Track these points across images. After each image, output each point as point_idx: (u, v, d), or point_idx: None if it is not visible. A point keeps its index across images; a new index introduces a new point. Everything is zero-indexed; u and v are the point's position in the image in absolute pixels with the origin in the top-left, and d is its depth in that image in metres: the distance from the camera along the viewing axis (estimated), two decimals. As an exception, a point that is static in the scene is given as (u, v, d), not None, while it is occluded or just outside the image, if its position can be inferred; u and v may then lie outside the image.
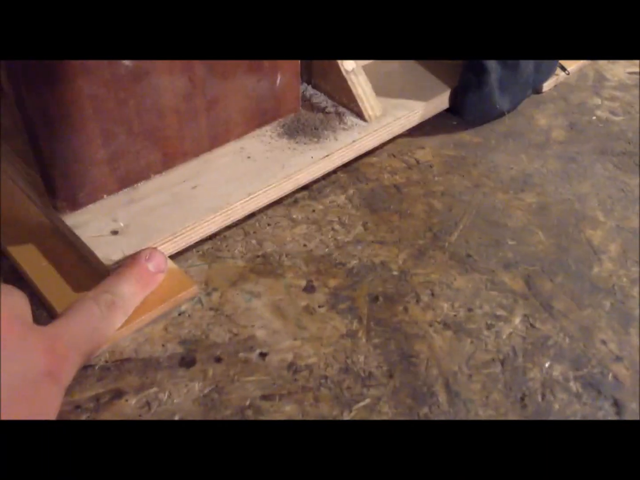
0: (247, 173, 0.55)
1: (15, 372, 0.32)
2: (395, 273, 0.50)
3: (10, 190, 0.54)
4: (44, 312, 0.46)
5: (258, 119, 0.59)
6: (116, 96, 0.47)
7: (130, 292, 0.43)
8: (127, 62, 0.46)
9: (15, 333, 0.34)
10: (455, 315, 0.47)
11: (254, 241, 0.53)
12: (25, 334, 0.34)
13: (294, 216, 0.56)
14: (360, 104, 0.61)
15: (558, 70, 0.74)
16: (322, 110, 0.63)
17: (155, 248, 0.47)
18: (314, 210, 0.57)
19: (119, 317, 0.42)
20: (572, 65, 0.76)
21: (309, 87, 0.65)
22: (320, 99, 0.64)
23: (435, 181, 0.60)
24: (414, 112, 0.64)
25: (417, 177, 0.61)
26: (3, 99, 0.48)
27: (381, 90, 0.65)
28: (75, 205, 0.50)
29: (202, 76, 0.52)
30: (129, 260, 0.45)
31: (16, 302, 0.36)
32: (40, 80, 0.43)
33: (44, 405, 0.33)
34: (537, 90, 0.73)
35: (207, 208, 0.51)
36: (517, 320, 0.47)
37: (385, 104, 0.64)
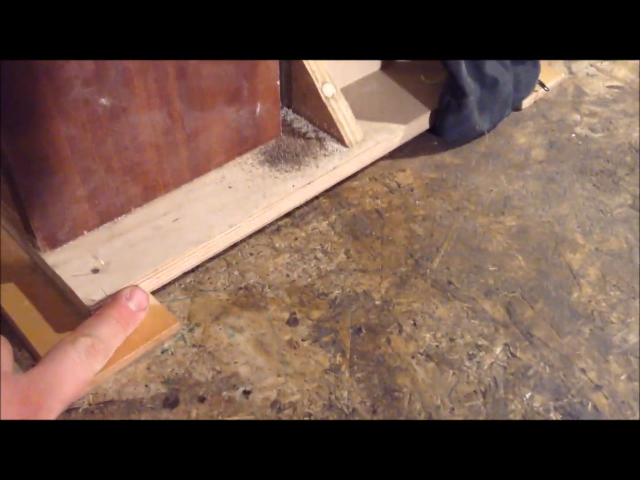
0: (228, 203, 0.55)
1: None
2: (377, 303, 0.51)
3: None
4: (25, 352, 0.46)
5: (239, 147, 0.59)
6: (94, 135, 0.47)
7: (110, 333, 0.43)
8: (104, 101, 0.46)
9: None
10: (437, 346, 0.47)
11: (236, 272, 0.53)
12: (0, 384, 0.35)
13: (277, 245, 0.56)
14: (340, 129, 0.61)
15: (537, 87, 0.75)
16: (303, 135, 0.63)
17: (136, 286, 0.47)
18: (296, 238, 0.57)
19: (99, 360, 0.42)
20: (551, 80, 0.77)
21: (290, 112, 0.65)
22: (301, 123, 0.64)
23: (417, 205, 0.61)
24: (395, 135, 0.64)
25: (399, 201, 0.61)
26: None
27: (361, 112, 0.65)
28: (55, 243, 0.49)
29: (181, 110, 0.52)
30: (110, 300, 0.45)
31: None
32: (17, 123, 0.42)
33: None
34: (517, 108, 0.73)
35: (189, 241, 0.51)
36: (498, 350, 0.47)
37: (365, 127, 0.64)
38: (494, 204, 0.61)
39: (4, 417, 0.33)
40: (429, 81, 0.70)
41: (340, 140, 0.62)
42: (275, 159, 0.60)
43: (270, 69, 0.57)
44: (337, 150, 0.61)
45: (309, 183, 0.58)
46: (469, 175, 0.65)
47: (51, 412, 0.37)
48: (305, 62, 0.60)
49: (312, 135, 0.63)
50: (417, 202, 0.61)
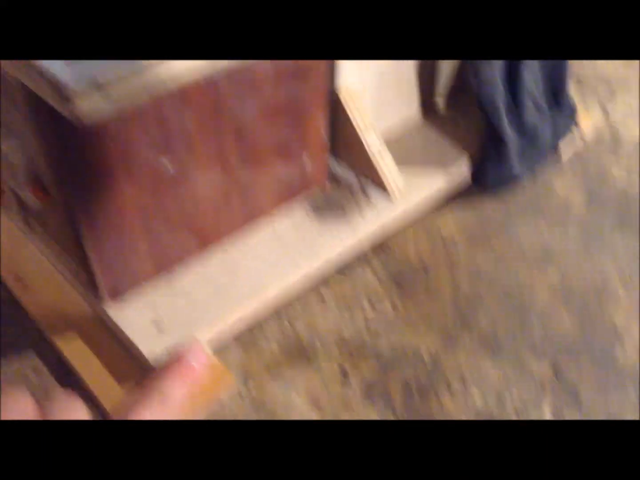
0: (279, 256, 0.57)
1: None
2: (426, 360, 0.52)
3: (56, 281, 0.55)
4: (89, 402, 0.48)
5: (287, 196, 0.61)
6: (157, 195, 0.49)
7: (177, 391, 0.44)
8: (167, 164, 0.48)
9: None
10: (485, 405, 0.49)
11: (286, 324, 0.55)
12: None
13: (325, 296, 0.58)
14: (384, 180, 0.63)
15: (574, 133, 0.76)
16: (348, 184, 0.65)
17: (197, 341, 0.48)
18: (343, 290, 0.58)
19: (167, 417, 0.43)
20: (587, 124, 0.78)
21: (335, 161, 0.67)
22: (345, 172, 0.66)
23: (460, 257, 0.62)
24: (437, 185, 0.66)
25: (442, 253, 0.63)
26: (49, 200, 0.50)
27: (404, 161, 0.66)
28: (116, 294, 0.52)
29: (237, 166, 0.54)
30: (173, 358, 0.47)
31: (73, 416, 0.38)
32: (88, 187, 0.45)
33: None
34: (555, 154, 0.74)
35: (243, 295, 0.53)
36: (546, 409, 0.48)
37: (409, 179, 0.65)
38: (536, 256, 0.62)
39: None
40: (469, 130, 0.71)
41: (384, 190, 0.64)
42: (322, 209, 0.62)
43: (318, 123, 0.59)
44: (381, 201, 0.63)
45: (355, 236, 0.59)
46: (510, 226, 0.66)
47: None
48: (349, 112, 0.62)
49: (357, 186, 0.65)
50: (460, 253, 0.62)
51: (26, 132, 0.44)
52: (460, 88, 0.74)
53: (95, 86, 0.32)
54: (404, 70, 0.67)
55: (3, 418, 0.35)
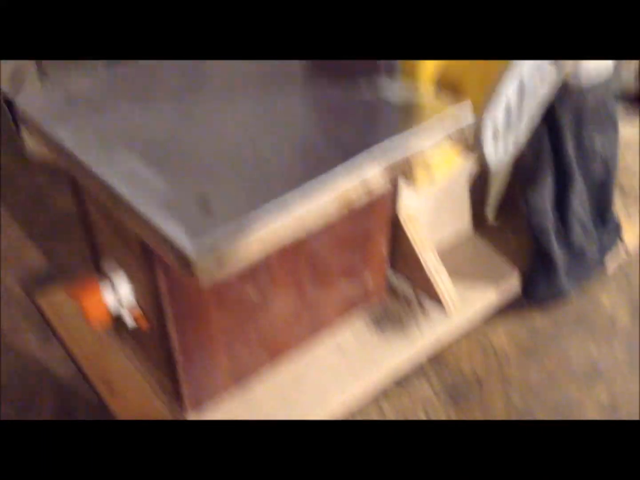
0: (342, 369, 0.61)
1: None
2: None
3: (141, 388, 0.61)
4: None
5: (349, 310, 0.66)
6: (240, 319, 0.55)
7: None
8: (251, 292, 0.54)
9: None
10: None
11: (349, 435, 0.59)
12: None
13: (384, 408, 0.62)
14: (440, 295, 0.68)
15: (619, 247, 0.79)
16: (405, 298, 0.69)
17: None
18: (401, 402, 0.62)
19: None
20: (630, 239, 0.81)
21: (392, 273, 0.72)
22: (402, 285, 0.71)
23: (512, 372, 0.65)
24: (489, 299, 0.70)
25: (495, 366, 0.66)
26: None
27: (457, 276, 0.71)
28: (197, 404, 0.57)
29: (308, 288, 0.59)
30: None
31: None
32: (184, 315, 0.50)
33: None
34: (601, 268, 0.78)
35: (309, 405, 0.57)
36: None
37: (463, 292, 0.70)
38: (585, 373, 0.65)
39: None
40: (519, 244, 0.76)
41: (439, 304, 0.68)
42: (381, 321, 0.67)
43: (380, 245, 0.64)
44: (437, 315, 0.67)
45: (413, 348, 0.64)
46: (559, 341, 0.69)
47: None
48: (408, 233, 0.67)
49: (414, 298, 0.69)
50: (513, 368, 0.66)
51: (136, 270, 0.50)
52: (510, 203, 0.80)
53: (214, 256, 0.38)
54: (458, 191, 0.73)
55: None
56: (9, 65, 0.98)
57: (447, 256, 0.73)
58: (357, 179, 0.44)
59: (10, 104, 0.91)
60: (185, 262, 0.37)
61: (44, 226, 0.83)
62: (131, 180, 0.41)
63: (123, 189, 0.40)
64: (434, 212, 0.72)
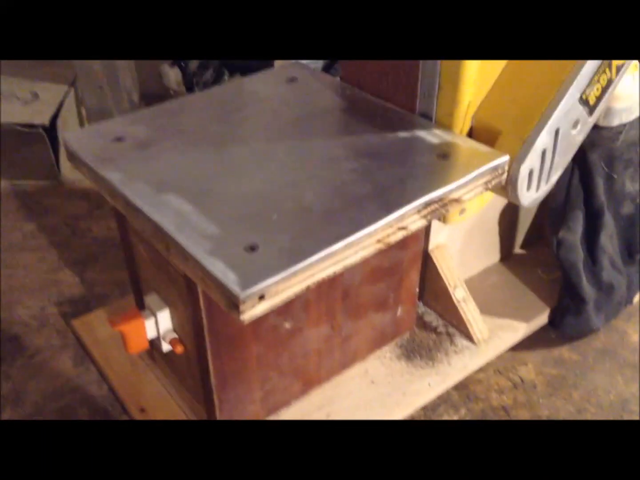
0: (372, 400, 0.62)
1: None
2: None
3: (174, 413, 0.62)
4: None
5: (380, 341, 0.67)
6: (275, 350, 0.56)
7: None
8: (287, 324, 0.55)
9: None
10: None
11: (379, 466, 0.60)
12: None
13: (413, 438, 0.62)
14: (469, 328, 0.69)
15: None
16: (434, 329, 0.70)
17: None
18: (430, 432, 0.63)
19: None
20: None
21: (421, 304, 0.73)
22: (431, 317, 0.72)
23: (540, 404, 0.66)
24: (517, 332, 0.71)
25: (523, 398, 0.67)
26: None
27: (486, 308, 0.72)
28: (230, 434, 0.58)
29: (341, 321, 0.60)
30: None
31: None
32: (222, 346, 0.52)
33: None
34: (630, 304, 0.78)
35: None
36: None
37: (490, 323, 0.71)
38: (613, 407, 0.66)
39: None
40: (547, 276, 0.77)
41: (468, 337, 0.69)
42: (410, 352, 0.68)
43: (412, 279, 0.65)
44: (466, 347, 0.68)
45: (442, 381, 0.65)
46: (587, 374, 0.70)
47: None
48: (439, 268, 0.68)
49: (442, 330, 0.70)
50: (541, 400, 0.67)
51: (178, 302, 0.52)
52: (538, 235, 0.80)
53: (259, 296, 0.39)
54: (488, 223, 0.74)
55: None
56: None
57: (476, 288, 0.74)
58: (398, 226, 0.45)
59: (47, 131, 0.94)
60: (232, 301, 0.39)
61: (81, 252, 0.85)
62: (182, 223, 0.43)
63: (174, 231, 0.42)
64: (463, 244, 0.73)
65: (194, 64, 1.16)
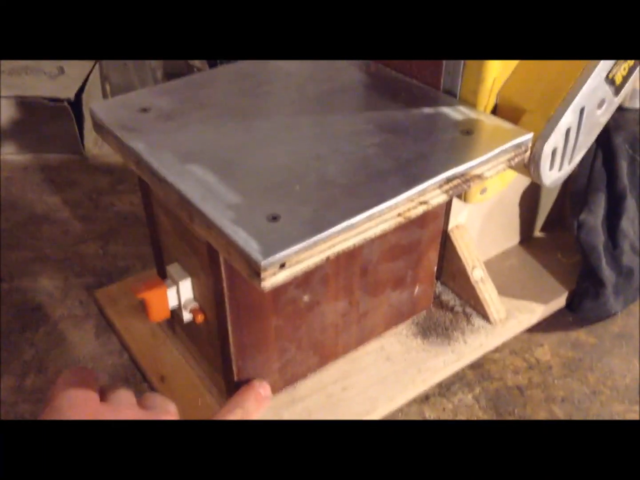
0: (388, 376, 0.63)
1: None
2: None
3: (193, 383, 0.63)
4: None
5: (396, 319, 0.68)
6: (293, 323, 0.57)
7: (252, 409, 0.54)
8: (305, 298, 0.56)
9: None
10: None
11: (393, 440, 0.61)
12: None
13: (427, 415, 0.63)
14: (486, 308, 0.69)
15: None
16: (451, 309, 0.71)
17: (262, 380, 0.57)
18: (444, 409, 0.64)
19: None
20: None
21: (439, 283, 0.73)
22: (449, 296, 0.72)
23: (555, 385, 0.66)
24: (535, 314, 0.71)
25: (538, 378, 0.67)
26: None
27: (503, 288, 0.72)
28: (248, 403, 0.59)
29: (359, 297, 0.61)
30: (247, 386, 0.56)
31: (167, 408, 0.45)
32: (242, 318, 0.53)
33: None
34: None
35: (355, 412, 0.59)
36: None
37: (508, 305, 0.71)
38: (629, 390, 0.66)
39: None
40: (566, 260, 0.76)
41: (485, 317, 0.69)
42: (426, 330, 0.68)
43: (430, 258, 0.66)
44: (482, 326, 0.69)
45: (458, 359, 0.65)
46: (603, 357, 0.70)
47: None
48: (458, 248, 0.68)
49: (459, 309, 0.71)
50: (556, 381, 0.67)
51: (199, 271, 0.53)
52: (559, 217, 0.80)
53: (281, 265, 0.40)
54: (508, 204, 0.74)
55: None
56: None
57: (495, 269, 0.74)
58: (419, 200, 0.45)
59: (72, 106, 0.95)
60: (254, 269, 0.40)
61: (103, 226, 0.86)
62: (205, 193, 0.44)
63: (198, 201, 0.43)
64: (483, 225, 0.73)
65: (217, 42, 1.17)
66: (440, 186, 0.47)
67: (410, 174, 0.46)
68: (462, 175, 0.47)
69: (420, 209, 0.46)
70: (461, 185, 0.48)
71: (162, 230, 0.58)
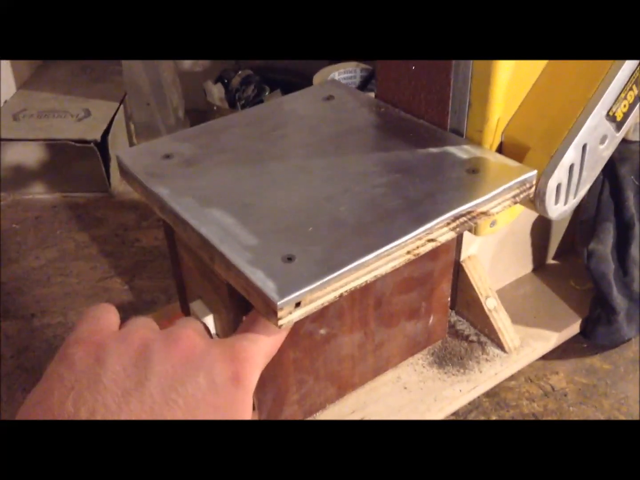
0: (405, 405, 0.65)
1: (201, 383, 0.34)
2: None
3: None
4: None
5: (412, 350, 0.69)
6: (311, 356, 0.59)
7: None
8: (322, 331, 0.58)
9: (199, 347, 0.36)
10: None
11: (411, 468, 0.62)
12: (209, 347, 0.37)
13: (444, 443, 0.65)
14: (501, 337, 0.70)
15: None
16: (466, 338, 0.72)
17: None
18: (461, 437, 0.65)
19: (270, 339, 0.43)
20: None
21: (453, 313, 0.75)
22: (463, 326, 0.74)
23: (571, 412, 0.67)
24: (549, 342, 0.72)
25: (553, 406, 0.68)
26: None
27: (517, 316, 0.73)
28: (269, 434, 0.61)
29: (374, 329, 0.63)
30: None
31: (198, 324, 0.41)
32: (261, 351, 0.55)
33: (231, 409, 0.35)
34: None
35: (374, 441, 0.61)
36: None
37: (522, 333, 0.72)
38: (645, 416, 0.67)
39: (215, 375, 0.35)
40: (579, 287, 0.78)
41: (499, 345, 0.71)
42: (442, 360, 0.70)
43: (443, 289, 0.68)
44: (497, 355, 0.70)
45: (473, 388, 0.67)
46: (618, 383, 0.70)
47: (257, 367, 0.40)
48: (471, 279, 0.70)
49: (474, 338, 0.72)
50: (571, 408, 0.68)
51: (220, 308, 0.56)
52: (571, 245, 0.82)
53: (296, 304, 0.42)
54: (520, 233, 0.76)
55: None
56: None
57: (508, 297, 0.76)
58: (427, 238, 0.48)
59: (98, 146, 0.99)
60: (271, 308, 0.42)
61: (129, 261, 0.90)
62: (224, 235, 0.46)
63: (217, 243, 0.46)
64: (495, 254, 0.75)
65: (236, 80, 1.21)
66: (448, 224, 0.49)
67: (418, 213, 0.49)
68: (468, 212, 0.50)
69: (429, 246, 0.49)
70: (468, 222, 0.50)
71: (185, 269, 0.61)
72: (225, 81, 1.20)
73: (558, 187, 0.56)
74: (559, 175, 0.55)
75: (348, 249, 0.45)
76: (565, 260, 0.83)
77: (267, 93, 1.18)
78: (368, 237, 0.47)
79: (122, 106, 1.12)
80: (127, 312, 0.81)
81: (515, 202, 0.53)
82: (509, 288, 0.79)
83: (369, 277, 0.46)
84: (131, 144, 1.15)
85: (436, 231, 0.48)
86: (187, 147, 0.58)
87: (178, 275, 0.62)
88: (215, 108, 1.16)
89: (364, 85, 1.11)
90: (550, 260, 0.83)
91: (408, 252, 0.47)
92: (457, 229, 0.50)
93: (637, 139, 0.65)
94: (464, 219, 0.50)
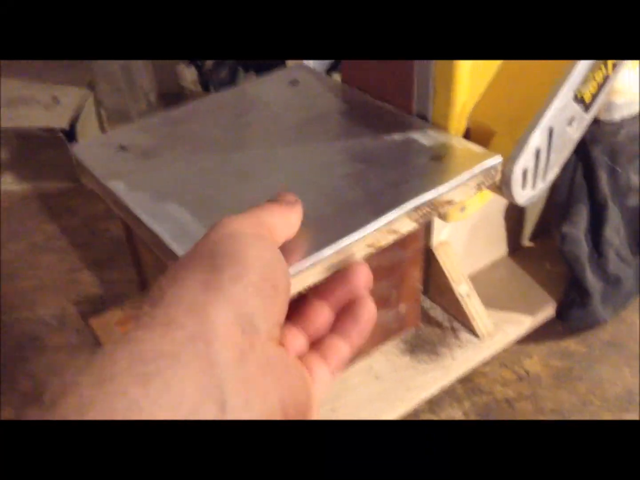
0: (377, 395, 0.64)
1: None
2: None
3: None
4: None
5: (384, 338, 0.69)
6: (278, 349, 0.58)
7: None
8: (289, 324, 0.57)
9: None
10: None
11: (383, 458, 0.62)
12: None
13: (417, 431, 0.64)
14: (473, 322, 0.70)
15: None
16: (439, 324, 0.72)
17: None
18: (434, 425, 0.65)
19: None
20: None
21: (427, 299, 0.74)
22: (436, 312, 0.73)
23: (545, 396, 0.67)
24: (523, 326, 0.71)
25: (527, 391, 0.68)
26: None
27: (491, 301, 0.73)
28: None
29: (344, 319, 0.62)
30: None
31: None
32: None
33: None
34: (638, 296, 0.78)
35: (345, 432, 0.60)
36: None
37: (495, 318, 0.72)
38: (619, 399, 0.66)
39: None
40: (554, 269, 0.77)
41: (472, 331, 0.70)
42: (414, 347, 0.69)
43: (414, 277, 0.67)
44: (470, 341, 0.69)
45: (446, 375, 0.66)
46: (593, 366, 0.70)
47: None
48: (442, 265, 0.69)
49: (447, 324, 0.71)
50: (545, 393, 0.67)
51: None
52: (546, 227, 0.81)
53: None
54: (492, 219, 0.75)
55: None
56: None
57: (483, 281, 0.75)
58: (387, 230, 0.46)
59: (66, 134, 0.97)
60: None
61: (100, 253, 0.88)
62: (178, 232, 0.45)
63: (170, 241, 0.44)
64: (469, 239, 0.74)
65: (209, 64, 1.18)
66: (409, 215, 0.48)
67: (379, 204, 0.47)
68: (430, 202, 0.48)
69: (390, 238, 0.47)
70: (431, 213, 0.49)
71: (145, 264, 0.59)
72: (199, 64, 1.17)
73: (525, 172, 0.54)
74: (525, 159, 0.53)
75: (306, 243, 0.44)
76: (542, 242, 0.82)
77: (241, 76, 1.16)
78: (326, 231, 0.45)
79: (91, 92, 1.09)
80: (96, 306, 0.80)
81: (480, 189, 0.52)
82: (483, 272, 0.78)
83: (329, 272, 0.45)
84: (103, 131, 1.13)
85: (397, 222, 0.47)
86: (145, 138, 0.56)
87: (139, 271, 0.61)
88: (188, 92, 1.14)
89: (336, 65, 1.08)
90: (526, 243, 0.82)
91: (369, 245, 0.46)
92: (420, 220, 0.49)
93: (610, 119, 0.64)
94: (426, 209, 0.48)
